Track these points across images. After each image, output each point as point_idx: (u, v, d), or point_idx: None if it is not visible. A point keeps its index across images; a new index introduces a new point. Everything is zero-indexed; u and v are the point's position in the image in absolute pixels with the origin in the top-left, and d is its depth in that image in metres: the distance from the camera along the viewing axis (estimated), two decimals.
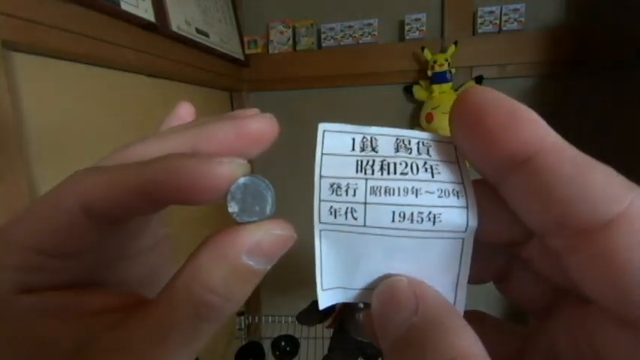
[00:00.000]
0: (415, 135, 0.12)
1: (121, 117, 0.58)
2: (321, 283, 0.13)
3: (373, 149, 0.12)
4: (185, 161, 0.11)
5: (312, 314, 0.75)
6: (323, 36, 0.94)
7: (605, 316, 0.10)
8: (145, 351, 0.10)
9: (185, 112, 0.17)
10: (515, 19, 0.84)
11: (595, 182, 0.09)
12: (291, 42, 0.98)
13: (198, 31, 0.72)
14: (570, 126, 0.95)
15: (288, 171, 0.91)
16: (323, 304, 0.13)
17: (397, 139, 0.12)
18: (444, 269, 0.12)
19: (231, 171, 0.11)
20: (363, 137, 0.12)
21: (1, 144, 0.36)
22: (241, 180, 0.11)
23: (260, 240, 0.11)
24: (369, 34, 0.92)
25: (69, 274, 0.12)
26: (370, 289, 0.13)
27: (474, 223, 0.11)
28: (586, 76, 0.83)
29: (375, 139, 0.12)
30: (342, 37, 0.93)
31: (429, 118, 0.85)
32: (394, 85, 0.96)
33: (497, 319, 0.14)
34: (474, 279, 0.13)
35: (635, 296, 0.09)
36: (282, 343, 0.93)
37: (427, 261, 0.12)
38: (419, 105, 0.92)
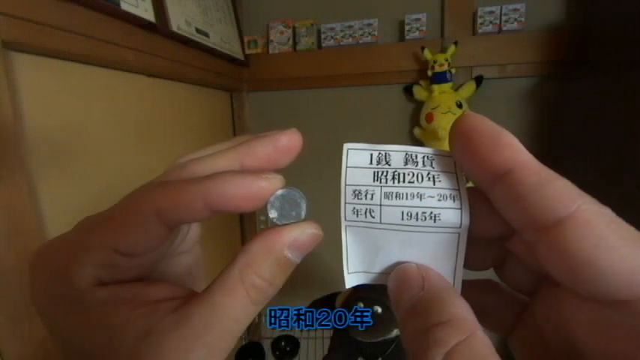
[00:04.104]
0: (421, 150, 0.15)
1: (121, 117, 0.58)
2: (347, 268, 0.16)
3: (387, 162, 0.15)
4: (239, 177, 0.13)
5: None
6: (323, 36, 0.94)
7: (569, 292, 0.13)
8: (204, 328, 0.13)
9: None
10: (515, 19, 0.84)
11: (553, 191, 0.12)
12: (291, 42, 0.98)
13: (198, 31, 0.72)
14: (570, 126, 0.94)
15: (289, 170, 0.91)
16: (349, 285, 0.16)
17: (406, 153, 0.15)
18: (444, 257, 0.15)
19: (273, 184, 0.14)
20: (379, 153, 0.15)
21: (1, 144, 0.36)
22: (279, 192, 0.14)
23: (297, 237, 0.14)
24: (369, 34, 0.92)
25: (133, 270, 0.14)
26: (386, 273, 0.15)
27: (466, 221, 0.14)
28: (586, 76, 0.82)
29: (389, 154, 0.15)
30: (342, 37, 0.93)
31: (429, 118, 0.85)
32: (394, 85, 0.96)
33: (507, 288, 0.17)
34: (477, 266, 0.16)
35: (581, 276, 0.11)
36: (282, 343, 0.93)
37: (431, 251, 0.15)
38: (419, 105, 0.92)
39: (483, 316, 0.13)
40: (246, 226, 1.09)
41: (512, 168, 0.12)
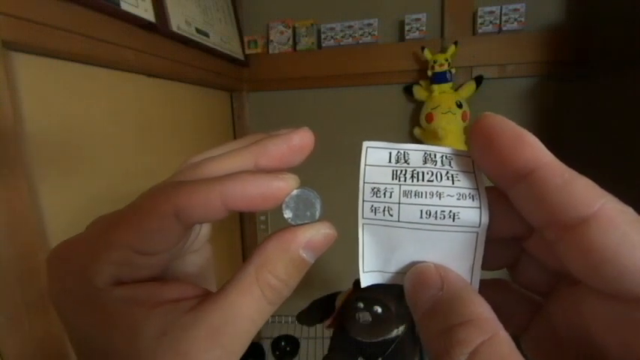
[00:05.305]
0: (440, 150, 0.15)
1: (121, 117, 0.58)
2: (363, 267, 0.16)
3: (406, 161, 0.15)
4: (257, 177, 0.14)
5: (312, 314, 0.75)
6: (323, 36, 0.94)
7: (589, 291, 0.13)
8: (220, 328, 0.13)
9: None
10: (515, 19, 0.84)
11: (576, 191, 0.12)
12: (291, 42, 0.98)
13: (198, 31, 0.72)
14: (570, 126, 0.94)
15: (289, 170, 0.91)
16: (364, 284, 0.16)
17: (425, 152, 0.15)
18: (462, 256, 0.15)
19: (290, 184, 0.14)
20: (398, 152, 0.15)
21: (1, 144, 0.36)
22: (294, 192, 0.14)
23: (312, 237, 0.14)
24: (369, 34, 0.92)
25: (149, 269, 0.14)
26: (402, 272, 0.15)
27: (485, 220, 0.14)
28: (586, 76, 0.83)
29: (407, 153, 0.15)
30: (342, 37, 0.93)
31: (429, 118, 0.85)
32: (394, 85, 0.96)
33: (519, 288, 0.17)
34: (491, 266, 0.16)
35: (604, 273, 0.11)
36: (282, 343, 0.94)
37: (449, 250, 0.15)
38: (419, 105, 0.92)
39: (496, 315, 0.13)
40: (246, 226, 1.09)
41: (535, 168, 0.12)
